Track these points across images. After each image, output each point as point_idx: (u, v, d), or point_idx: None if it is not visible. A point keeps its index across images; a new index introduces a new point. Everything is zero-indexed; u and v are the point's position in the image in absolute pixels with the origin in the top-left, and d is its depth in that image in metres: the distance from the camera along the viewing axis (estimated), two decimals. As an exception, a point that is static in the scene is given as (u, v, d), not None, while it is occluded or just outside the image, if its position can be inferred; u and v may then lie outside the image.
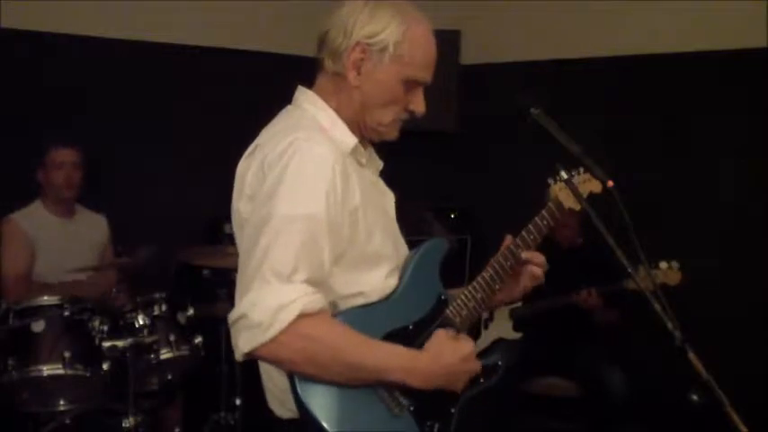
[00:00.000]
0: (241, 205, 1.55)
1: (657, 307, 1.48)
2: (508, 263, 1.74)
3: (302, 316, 1.38)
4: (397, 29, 1.54)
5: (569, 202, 1.79)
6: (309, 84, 1.66)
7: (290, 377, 1.46)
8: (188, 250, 3.49)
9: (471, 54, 4.49)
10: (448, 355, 1.54)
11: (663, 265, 3.20)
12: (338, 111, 1.59)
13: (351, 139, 1.58)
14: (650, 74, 3.98)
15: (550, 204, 1.79)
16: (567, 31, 4.27)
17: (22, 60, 3.71)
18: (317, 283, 1.43)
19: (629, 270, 1.56)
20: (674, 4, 3.90)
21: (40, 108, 3.71)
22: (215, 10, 4.16)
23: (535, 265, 1.76)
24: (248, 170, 1.53)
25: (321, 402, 1.44)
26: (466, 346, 1.57)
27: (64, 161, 3.48)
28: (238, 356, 1.42)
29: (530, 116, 1.65)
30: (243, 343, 1.40)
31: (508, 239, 1.76)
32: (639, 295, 1.54)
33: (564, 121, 1.65)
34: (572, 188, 1.71)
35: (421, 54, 1.58)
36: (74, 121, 3.75)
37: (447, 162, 4.54)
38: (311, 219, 1.42)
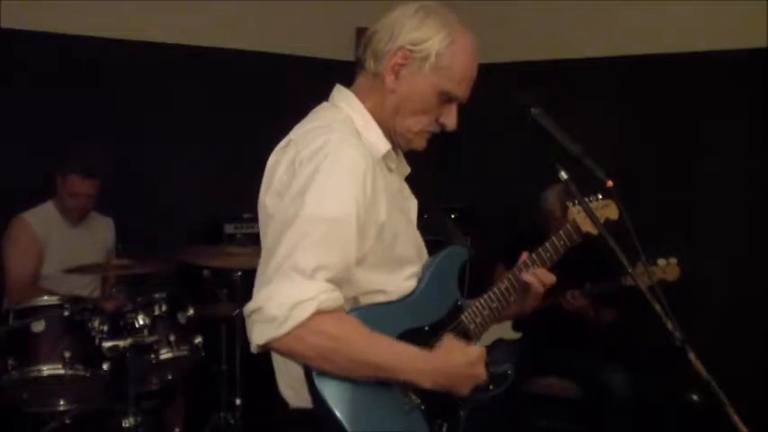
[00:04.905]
0: (268, 199, 1.56)
1: (658, 307, 1.49)
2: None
3: (318, 313, 1.38)
4: (443, 41, 1.57)
5: (587, 225, 1.84)
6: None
7: (307, 369, 1.47)
8: (188, 250, 3.49)
9: (471, 54, 4.48)
10: (456, 358, 1.56)
11: (661, 261, 3.19)
12: (372, 112, 1.61)
13: (384, 145, 1.61)
14: (650, 74, 3.97)
15: (568, 226, 1.85)
16: (567, 31, 4.26)
17: (21, 60, 3.70)
18: (339, 282, 1.44)
19: (630, 271, 1.57)
20: (675, 3, 3.89)
21: (38, 108, 3.71)
22: (214, 10, 4.16)
23: (537, 282, 1.78)
24: (279, 165, 1.54)
25: (337, 395, 1.45)
26: (475, 351, 1.60)
27: (81, 192, 3.45)
28: (253, 348, 1.43)
29: (530, 116, 1.66)
30: (257, 336, 1.41)
31: (525, 255, 1.82)
32: (639, 294, 1.55)
33: (564, 121, 1.66)
34: (590, 215, 1.71)
35: (461, 70, 1.61)
36: (73, 122, 3.75)
37: (447, 162, 4.53)
38: (338, 221, 1.43)
